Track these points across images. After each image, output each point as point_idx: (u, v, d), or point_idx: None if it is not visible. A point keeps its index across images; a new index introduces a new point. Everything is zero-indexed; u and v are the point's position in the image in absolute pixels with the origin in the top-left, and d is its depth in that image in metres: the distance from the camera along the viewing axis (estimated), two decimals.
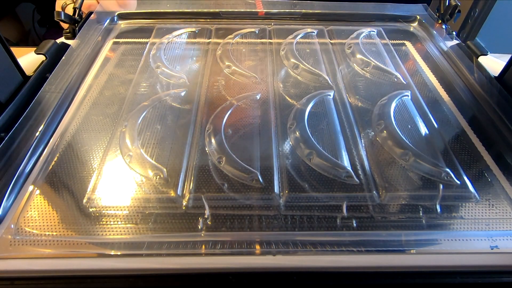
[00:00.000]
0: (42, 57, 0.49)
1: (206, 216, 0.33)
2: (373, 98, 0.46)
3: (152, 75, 0.49)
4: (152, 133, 0.40)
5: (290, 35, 0.57)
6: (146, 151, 0.37)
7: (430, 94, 0.49)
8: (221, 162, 0.36)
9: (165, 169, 0.35)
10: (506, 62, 0.46)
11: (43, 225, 0.32)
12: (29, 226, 0.32)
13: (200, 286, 0.29)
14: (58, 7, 0.62)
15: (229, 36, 0.57)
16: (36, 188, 0.35)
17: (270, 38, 0.58)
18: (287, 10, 0.63)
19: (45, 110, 0.42)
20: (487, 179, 0.37)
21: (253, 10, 0.63)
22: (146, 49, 0.54)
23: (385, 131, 0.40)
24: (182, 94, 0.46)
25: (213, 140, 0.39)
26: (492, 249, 0.31)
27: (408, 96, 0.46)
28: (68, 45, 0.53)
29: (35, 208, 0.33)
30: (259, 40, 0.58)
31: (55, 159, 0.38)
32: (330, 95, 0.46)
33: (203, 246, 0.30)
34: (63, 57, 0.50)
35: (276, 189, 0.35)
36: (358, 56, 0.53)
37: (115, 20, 0.62)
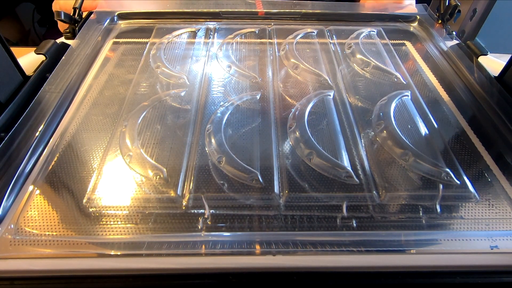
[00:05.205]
0: (42, 57, 0.49)
1: (206, 216, 0.33)
2: (373, 98, 0.46)
3: (152, 75, 0.49)
4: (152, 133, 0.40)
5: (290, 35, 0.57)
6: (146, 151, 0.37)
7: (430, 94, 0.49)
8: (221, 162, 0.36)
9: (165, 169, 0.35)
10: (506, 62, 0.46)
11: (43, 225, 0.32)
12: (29, 226, 0.32)
13: (200, 286, 0.29)
14: (55, 8, 0.63)
15: (229, 36, 0.57)
16: (36, 188, 0.35)
17: (270, 38, 0.58)
18: (287, 10, 0.63)
19: (45, 110, 0.42)
20: (487, 179, 0.37)
21: (253, 10, 0.63)
22: (146, 49, 0.54)
23: (385, 131, 0.40)
24: (182, 94, 0.46)
25: (213, 140, 0.39)
26: (492, 249, 0.31)
27: (408, 96, 0.46)
28: (68, 45, 0.53)
29: (35, 208, 0.33)
30: (259, 40, 0.58)
31: (55, 159, 0.38)
32: (330, 95, 0.46)
33: (203, 246, 0.30)
34: (63, 57, 0.50)
35: (276, 189, 0.35)
36: (358, 56, 0.53)
37: (115, 20, 0.62)
